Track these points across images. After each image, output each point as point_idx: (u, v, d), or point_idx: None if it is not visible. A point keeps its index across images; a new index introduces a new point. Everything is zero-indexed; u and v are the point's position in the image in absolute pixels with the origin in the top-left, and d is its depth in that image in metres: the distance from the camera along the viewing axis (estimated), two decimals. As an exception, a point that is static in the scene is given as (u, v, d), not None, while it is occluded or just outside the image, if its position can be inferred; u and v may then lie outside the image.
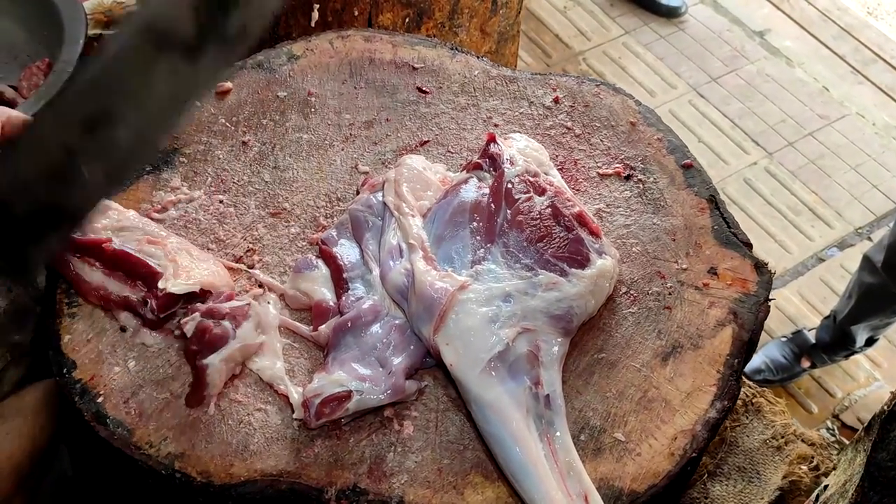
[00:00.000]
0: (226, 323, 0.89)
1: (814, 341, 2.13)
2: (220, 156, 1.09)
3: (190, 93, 0.64)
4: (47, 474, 1.07)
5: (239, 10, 0.63)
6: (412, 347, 0.92)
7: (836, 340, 2.07)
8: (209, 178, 1.07)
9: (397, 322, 0.93)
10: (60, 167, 0.61)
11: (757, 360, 2.15)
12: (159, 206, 1.02)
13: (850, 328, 1.99)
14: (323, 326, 0.93)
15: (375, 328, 0.93)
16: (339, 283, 0.97)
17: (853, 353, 2.10)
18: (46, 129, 0.60)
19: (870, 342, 2.06)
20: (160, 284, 0.89)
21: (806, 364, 2.14)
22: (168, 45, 0.60)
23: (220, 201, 1.04)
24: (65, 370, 0.88)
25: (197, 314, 0.90)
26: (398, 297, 0.94)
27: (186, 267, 0.91)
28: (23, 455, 0.97)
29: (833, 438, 1.95)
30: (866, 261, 1.89)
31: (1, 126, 0.75)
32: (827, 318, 2.11)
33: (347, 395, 0.86)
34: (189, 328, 0.89)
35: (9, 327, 1.00)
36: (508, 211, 0.98)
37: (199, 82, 0.64)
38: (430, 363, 0.93)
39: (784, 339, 2.17)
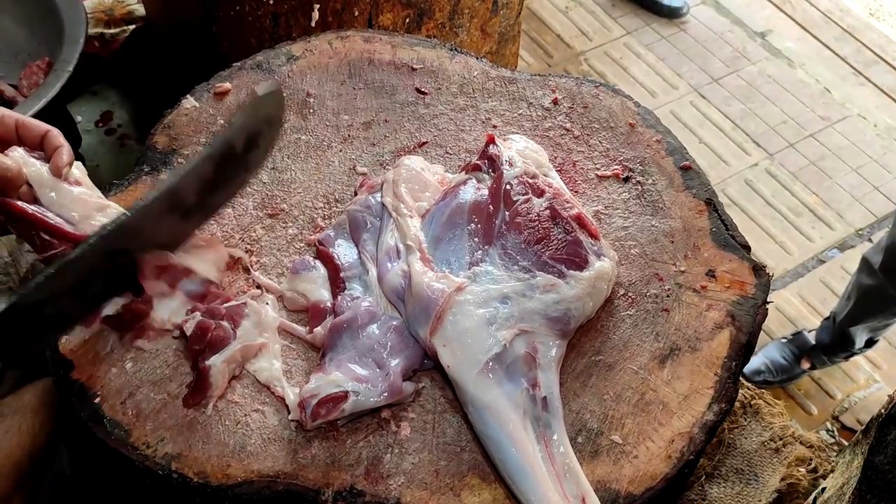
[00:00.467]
0: (225, 324, 0.89)
1: (814, 342, 2.13)
2: (219, 156, 1.09)
3: (182, 237, 0.92)
4: (46, 473, 1.08)
5: (223, 190, 0.92)
6: (409, 349, 0.92)
7: (835, 342, 2.07)
8: (208, 179, 1.06)
9: (394, 323, 0.93)
10: (84, 284, 0.82)
11: (757, 362, 2.15)
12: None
13: (850, 329, 1.99)
14: (319, 328, 0.93)
15: (372, 329, 0.93)
16: (336, 283, 0.97)
17: (853, 354, 2.10)
18: (85, 258, 0.80)
19: (869, 343, 2.06)
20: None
21: (806, 365, 2.14)
22: (176, 208, 0.87)
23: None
24: (62, 371, 0.88)
25: (197, 314, 0.90)
26: (395, 298, 0.94)
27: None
28: (22, 453, 0.97)
29: (832, 440, 1.95)
30: (864, 262, 1.89)
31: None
32: (827, 319, 2.11)
33: (344, 396, 0.86)
34: (189, 327, 0.89)
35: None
36: (507, 212, 0.98)
37: (187, 232, 0.93)
38: (427, 365, 0.93)
39: (784, 341, 2.17)
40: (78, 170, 0.93)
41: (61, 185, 0.89)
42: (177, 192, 0.86)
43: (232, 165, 0.90)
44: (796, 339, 2.16)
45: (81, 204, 0.90)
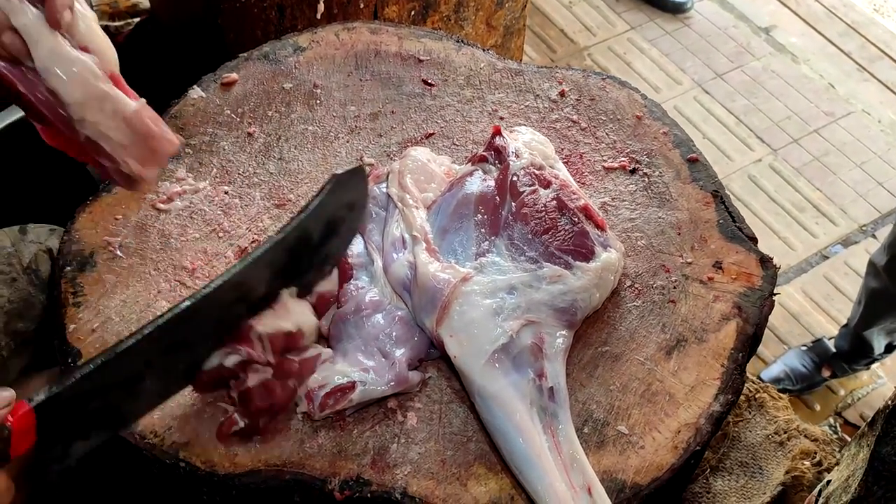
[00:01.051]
0: (292, 382, 0.85)
1: (834, 350, 2.12)
2: (226, 147, 1.09)
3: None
4: (52, 463, 1.08)
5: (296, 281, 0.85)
6: (415, 339, 0.92)
7: (854, 348, 2.06)
8: (214, 170, 1.07)
9: (399, 313, 0.93)
10: (137, 377, 0.75)
11: (776, 369, 2.14)
12: (165, 197, 1.02)
13: (865, 334, 1.98)
14: (323, 319, 0.93)
15: (377, 319, 0.93)
16: (342, 273, 0.97)
17: (873, 360, 2.09)
18: (139, 349, 0.73)
19: (889, 349, 2.04)
20: (259, 329, 0.82)
21: (826, 373, 2.13)
22: (243, 299, 0.80)
23: (226, 192, 1.04)
24: (70, 359, 0.88)
25: (265, 371, 0.83)
26: (400, 289, 0.94)
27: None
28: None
29: (835, 435, 1.95)
30: (871, 265, 1.89)
31: None
32: (844, 326, 2.10)
33: (351, 387, 0.86)
34: (252, 380, 0.82)
35: (13, 317, 1.01)
36: (513, 203, 0.98)
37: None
38: (433, 354, 0.93)
39: (804, 349, 2.16)
40: (83, 22, 0.73)
41: (60, 44, 0.68)
42: (244, 282, 0.78)
43: (308, 254, 0.81)
44: (816, 346, 2.15)
45: (81, 83, 0.70)
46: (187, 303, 0.75)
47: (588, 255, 0.93)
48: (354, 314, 0.93)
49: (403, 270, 0.94)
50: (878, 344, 2.01)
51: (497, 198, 0.98)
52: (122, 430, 0.82)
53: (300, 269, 0.82)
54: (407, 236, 0.97)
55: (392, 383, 0.87)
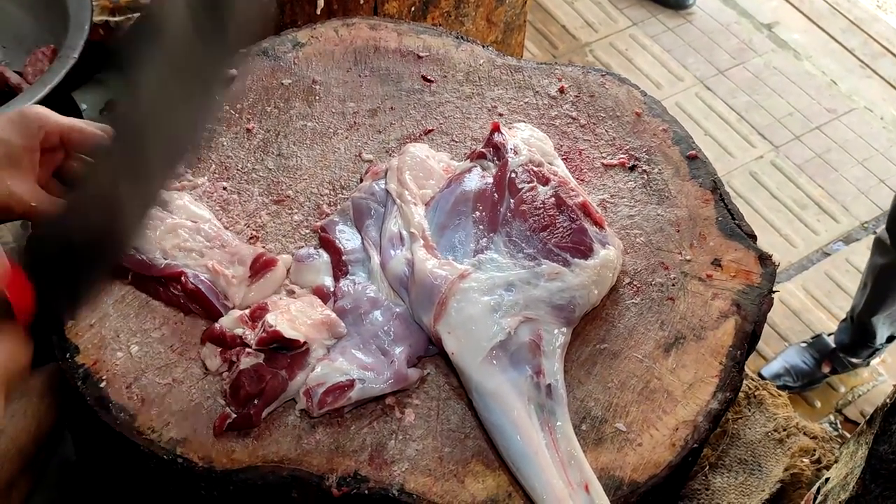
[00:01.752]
0: (282, 373, 0.86)
1: (833, 346, 2.11)
2: (224, 143, 1.09)
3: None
4: (52, 458, 1.08)
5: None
6: (413, 336, 0.92)
7: (856, 339, 2.05)
8: (213, 165, 1.06)
9: (397, 310, 0.93)
10: (110, 201, 0.70)
11: (777, 366, 2.14)
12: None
13: (871, 321, 1.97)
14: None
15: (375, 315, 0.93)
16: (339, 268, 0.97)
17: (875, 351, 2.08)
18: (99, 171, 0.69)
19: (890, 339, 2.04)
20: (269, 319, 0.86)
21: (826, 369, 2.13)
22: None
23: (224, 188, 1.04)
24: (68, 355, 0.89)
25: (255, 358, 0.86)
26: (398, 285, 0.94)
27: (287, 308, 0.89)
28: (28, 438, 0.98)
29: (835, 433, 1.95)
30: (877, 243, 1.88)
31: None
32: (844, 320, 2.09)
33: (350, 384, 0.86)
34: (246, 363, 0.85)
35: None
36: (512, 200, 0.98)
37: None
38: (431, 351, 0.93)
39: (804, 345, 2.16)
40: None
41: None
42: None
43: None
44: (816, 343, 2.15)
45: None
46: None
47: (586, 253, 0.93)
48: (352, 311, 0.93)
49: (401, 267, 0.94)
50: (881, 332, 2.00)
51: (495, 194, 0.98)
52: (123, 251, 0.80)
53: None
54: (405, 233, 0.96)
55: (391, 381, 0.87)
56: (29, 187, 0.84)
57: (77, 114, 1.75)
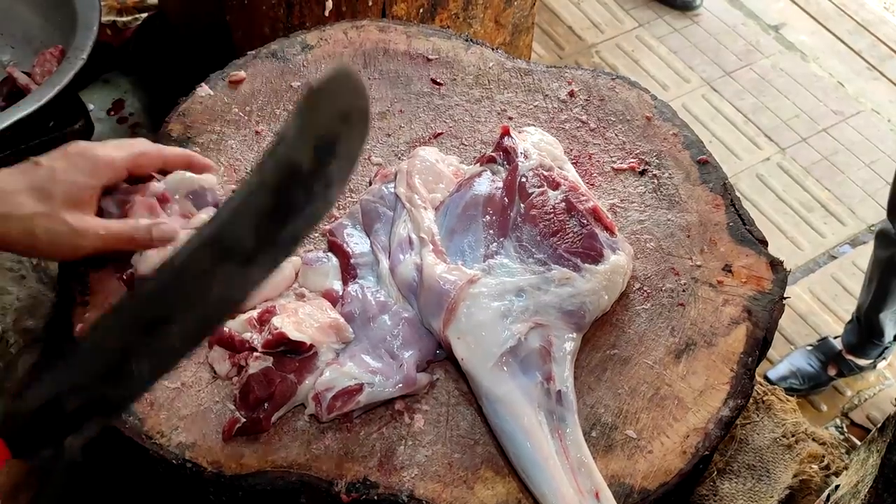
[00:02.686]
0: (291, 377, 0.86)
1: (840, 348, 2.11)
2: (233, 145, 1.09)
3: (249, 286, 0.68)
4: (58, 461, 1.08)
5: (298, 219, 0.67)
6: (422, 340, 0.91)
7: (863, 338, 2.04)
8: (222, 168, 1.06)
9: (406, 315, 0.93)
10: (115, 367, 0.64)
11: (783, 369, 2.14)
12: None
13: (878, 318, 1.96)
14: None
15: (384, 320, 0.92)
16: (347, 271, 0.97)
17: (883, 350, 2.07)
18: (108, 333, 0.63)
19: None
20: (275, 322, 0.86)
21: (832, 372, 2.12)
22: (229, 255, 0.64)
23: (234, 191, 1.04)
24: (77, 358, 0.88)
25: (265, 361, 0.86)
26: (407, 290, 0.94)
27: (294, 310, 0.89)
28: None
29: (842, 436, 1.94)
30: (879, 236, 1.87)
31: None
32: (850, 321, 2.08)
33: (359, 389, 0.85)
34: (254, 367, 0.85)
35: (23, 314, 1.01)
36: (522, 205, 0.97)
37: (256, 279, 0.67)
38: (440, 356, 0.92)
39: (809, 348, 2.15)
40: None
41: None
42: (222, 239, 0.65)
43: (302, 187, 0.67)
44: (822, 345, 2.14)
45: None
46: (153, 281, 0.64)
47: (597, 258, 0.93)
48: (361, 315, 0.92)
49: (410, 272, 0.93)
50: (889, 330, 1.99)
51: (505, 199, 0.98)
52: (116, 418, 0.76)
53: (294, 206, 0.68)
54: (414, 237, 0.96)
55: (400, 385, 0.87)
56: (92, 220, 0.82)
57: (84, 113, 1.74)
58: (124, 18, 1.90)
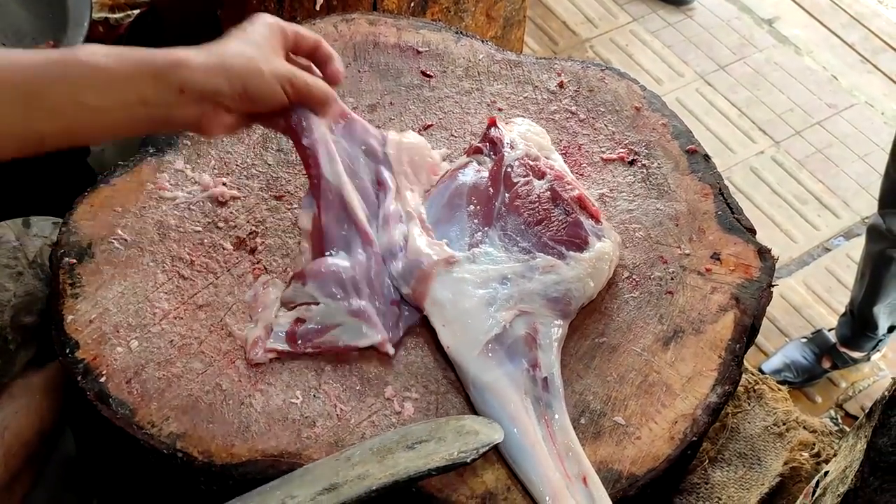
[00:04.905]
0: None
1: (834, 341, 2.11)
2: (224, 138, 1.09)
3: None
4: (53, 453, 1.08)
5: None
6: (389, 297, 0.93)
7: (857, 331, 2.05)
8: (213, 161, 1.07)
9: (375, 267, 0.93)
10: None
11: (777, 361, 2.14)
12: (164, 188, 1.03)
13: (871, 311, 1.96)
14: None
15: (354, 268, 0.93)
16: (317, 246, 0.96)
17: (877, 342, 2.07)
18: None
19: (892, 329, 2.03)
20: None
21: (827, 364, 2.13)
22: None
23: (224, 184, 1.04)
24: (67, 350, 0.89)
25: None
26: (388, 254, 0.94)
27: None
28: (31, 433, 0.98)
29: (836, 427, 1.95)
30: (870, 230, 1.88)
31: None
32: (843, 314, 2.09)
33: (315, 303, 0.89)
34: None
35: (20, 311, 1.01)
36: (507, 194, 0.98)
37: None
38: (409, 319, 0.93)
39: (804, 340, 2.15)
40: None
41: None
42: None
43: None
44: (816, 338, 2.14)
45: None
46: None
47: (582, 245, 0.93)
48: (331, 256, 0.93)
49: (398, 238, 0.94)
50: (882, 323, 1.99)
51: (490, 189, 0.98)
52: None
53: None
54: (402, 212, 0.97)
55: (357, 313, 0.89)
56: (296, 67, 0.87)
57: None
58: (116, 15, 1.90)
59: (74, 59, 0.74)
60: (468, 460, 0.80)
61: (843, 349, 2.11)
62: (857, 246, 2.38)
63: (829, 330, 2.15)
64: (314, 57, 0.92)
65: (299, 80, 0.86)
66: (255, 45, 0.83)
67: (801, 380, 2.13)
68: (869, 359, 2.15)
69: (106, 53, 0.76)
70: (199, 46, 0.82)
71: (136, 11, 1.94)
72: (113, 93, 0.75)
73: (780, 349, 2.17)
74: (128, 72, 0.76)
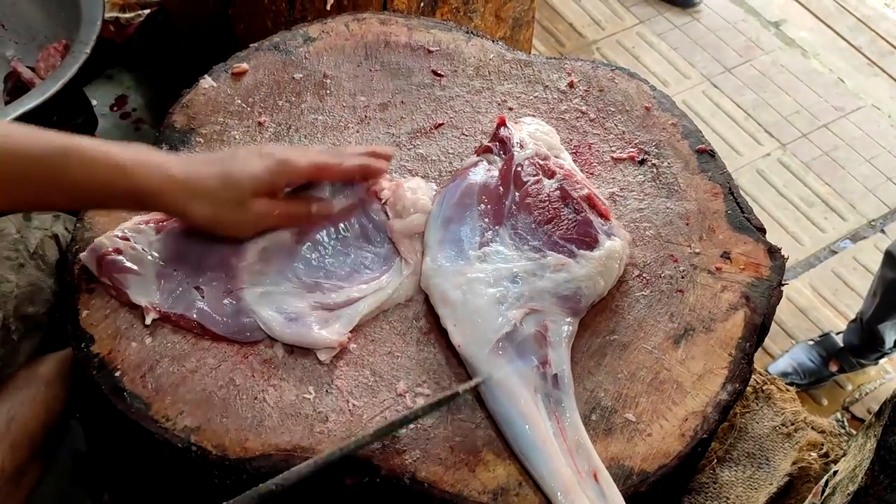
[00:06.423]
0: None
1: (842, 345, 2.11)
2: (236, 136, 1.10)
3: None
4: (61, 445, 1.09)
5: None
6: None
7: (864, 342, 2.04)
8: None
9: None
10: None
11: (783, 364, 2.13)
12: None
13: (878, 327, 1.97)
14: None
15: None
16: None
17: (883, 354, 2.07)
18: None
19: None
20: None
21: (834, 368, 2.12)
22: None
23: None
24: (83, 344, 0.90)
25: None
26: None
27: None
28: (37, 424, 0.99)
29: (842, 430, 1.95)
30: (888, 256, 1.87)
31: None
32: (853, 321, 2.08)
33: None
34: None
35: (22, 301, 1.02)
36: (517, 193, 0.98)
37: None
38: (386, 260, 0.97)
39: (811, 343, 2.15)
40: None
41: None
42: None
43: None
44: (823, 341, 2.14)
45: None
46: None
47: (592, 244, 0.94)
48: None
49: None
50: (889, 338, 1.99)
51: (501, 188, 0.99)
52: None
53: None
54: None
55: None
56: (267, 204, 0.92)
57: (87, 109, 1.76)
58: (127, 15, 1.91)
59: (58, 166, 0.82)
60: (459, 391, 0.85)
61: (850, 356, 2.11)
62: (864, 249, 2.39)
63: (837, 333, 2.15)
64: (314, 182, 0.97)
65: (265, 223, 0.93)
66: (231, 188, 0.88)
67: (808, 382, 2.13)
68: (876, 362, 2.15)
69: (92, 160, 0.83)
70: (185, 165, 0.88)
71: (147, 11, 1.96)
72: (79, 199, 0.88)
73: (786, 352, 2.17)
74: (104, 185, 0.84)
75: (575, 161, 1.07)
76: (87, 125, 1.68)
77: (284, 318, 0.90)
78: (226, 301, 0.92)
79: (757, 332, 0.95)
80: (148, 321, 0.90)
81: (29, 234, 1.06)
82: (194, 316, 0.91)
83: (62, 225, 1.10)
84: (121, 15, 1.92)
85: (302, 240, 0.96)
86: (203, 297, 0.92)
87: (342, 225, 0.98)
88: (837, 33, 2.99)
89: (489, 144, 1.04)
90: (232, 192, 0.88)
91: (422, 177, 1.06)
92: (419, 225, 0.99)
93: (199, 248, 0.94)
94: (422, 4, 1.52)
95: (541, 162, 1.00)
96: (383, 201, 0.99)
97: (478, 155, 1.04)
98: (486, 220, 0.97)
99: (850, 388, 2.17)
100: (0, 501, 0.95)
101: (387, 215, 0.99)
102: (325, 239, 0.97)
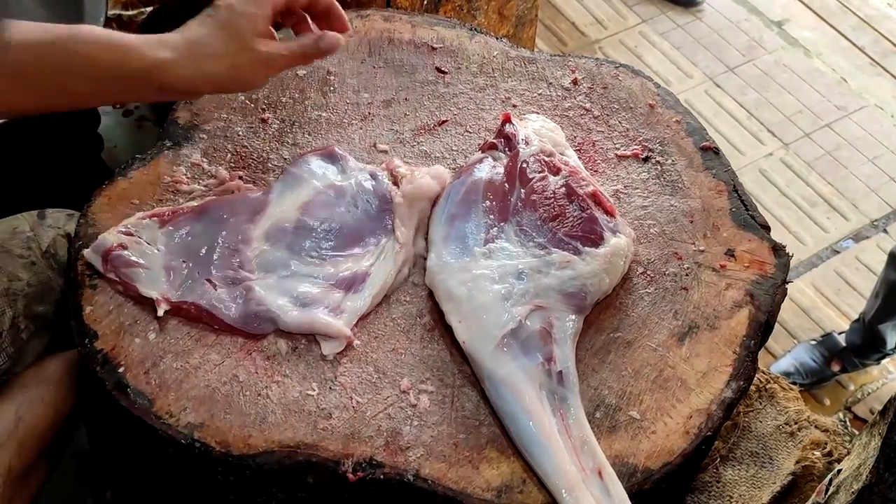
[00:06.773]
0: None
1: (844, 345, 2.10)
2: (240, 132, 1.10)
3: None
4: (68, 446, 1.09)
5: None
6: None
7: (866, 343, 2.04)
8: (229, 155, 1.07)
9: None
10: None
11: (786, 363, 2.13)
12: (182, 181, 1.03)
13: (879, 328, 1.97)
14: None
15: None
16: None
17: (885, 355, 2.07)
18: None
19: None
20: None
21: (836, 368, 2.12)
22: None
23: (240, 177, 1.05)
24: (87, 340, 0.89)
25: None
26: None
27: None
28: (45, 424, 0.99)
29: (845, 430, 1.94)
30: (892, 258, 1.87)
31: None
32: (856, 321, 2.08)
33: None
34: None
35: (33, 300, 1.02)
36: (522, 190, 0.98)
37: None
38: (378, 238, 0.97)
39: (813, 343, 2.15)
40: None
41: None
42: None
43: None
44: (826, 341, 2.13)
45: None
46: None
47: (597, 241, 0.94)
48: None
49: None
50: (892, 338, 1.99)
51: (506, 184, 0.99)
52: None
53: None
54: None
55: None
56: (275, 45, 0.88)
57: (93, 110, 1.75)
58: (130, 12, 1.91)
59: (65, 49, 0.80)
60: None
61: (852, 356, 2.11)
62: (866, 248, 2.38)
63: (839, 333, 2.15)
64: (312, 10, 0.93)
65: (277, 65, 0.89)
66: (233, 35, 0.85)
67: (810, 382, 2.13)
68: (879, 362, 2.15)
69: (97, 40, 0.82)
70: (181, 33, 0.86)
71: (149, 8, 1.96)
72: (97, 84, 0.83)
73: (788, 351, 2.17)
74: (112, 66, 0.81)
75: (579, 158, 1.06)
76: (89, 121, 1.67)
77: (296, 304, 0.91)
78: (237, 291, 0.92)
79: (761, 329, 0.95)
80: (160, 312, 0.90)
81: (42, 232, 1.06)
82: (205, 304, 0.91)
83: (75, 224, 1.10)
84: (123, 12, 1.92)
85: (305, 215, 0.97)
86: (214, 287, 0.92)
87: (348, 198, 0.99)
88: (840, 33, 2.99)
89: (494, 141, 1.04)
90: (236, 40, 0.85)
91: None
92: (429, 188, 0.99)
93: (205, 238, 0.94)
94: (425, 2, 1.52)
95: (546, 158, 1.00)
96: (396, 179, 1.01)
97: (483, 151, 1.04)
98: (492, 216, 0.97)
99: (852, 388, 2.17)
100: (8, 500, 0.95)
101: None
102: (327, 214, 0.98)
